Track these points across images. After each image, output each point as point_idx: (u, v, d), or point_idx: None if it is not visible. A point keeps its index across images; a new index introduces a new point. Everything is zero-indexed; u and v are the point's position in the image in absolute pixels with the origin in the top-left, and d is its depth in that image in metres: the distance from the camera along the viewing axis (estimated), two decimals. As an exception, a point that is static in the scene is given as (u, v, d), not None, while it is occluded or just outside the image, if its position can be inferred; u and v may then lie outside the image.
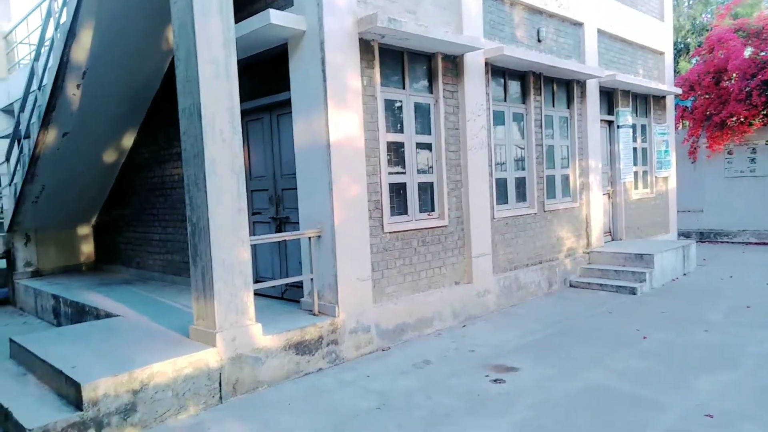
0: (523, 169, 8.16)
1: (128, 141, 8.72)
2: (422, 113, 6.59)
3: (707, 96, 13.87)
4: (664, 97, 11.73)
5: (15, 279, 9.38)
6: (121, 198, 9.30)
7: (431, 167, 6.71)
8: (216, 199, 4.57)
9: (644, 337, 5.90)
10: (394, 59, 6.28)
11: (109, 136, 8.47)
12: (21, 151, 8.62)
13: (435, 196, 6.73)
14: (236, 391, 4.67)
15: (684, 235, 13.84)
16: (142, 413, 4.08)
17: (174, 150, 7.85)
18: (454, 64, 6.86)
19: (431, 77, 6.68)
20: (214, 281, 4.55)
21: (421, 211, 6.55)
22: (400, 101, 6.32)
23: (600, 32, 9.52)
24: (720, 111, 13.31)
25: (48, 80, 7.19)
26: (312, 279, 5.57)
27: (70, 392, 3.98)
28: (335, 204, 5.42)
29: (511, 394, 4.52)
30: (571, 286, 8.76)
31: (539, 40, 8.23)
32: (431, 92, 6.67)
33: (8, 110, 14.90)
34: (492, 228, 7.35)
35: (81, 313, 6.96)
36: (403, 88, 6.35)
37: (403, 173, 6.36)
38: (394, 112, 6.27)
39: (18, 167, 8.77)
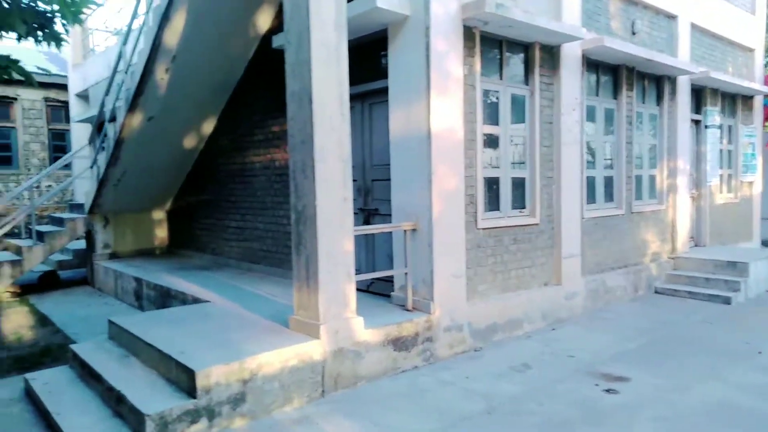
0: (612, 167, 7.78)
1: (208, 127, 8.75)
2: (517, 105, 6.32)
3: (796, 96, 13.02)
4: (752, 97, 11.07)
5: (94, 260, 9.59)
6: (197, 184, 9.36)
7: (524, 162, 6.45)
8: (323, 187, 4.44)
9: (759, 352, 5.50)
10: (492, 48, 6.04)
11: (190, 121, 8.51)
12: (105, 135, 8.76)
13: (527, 193, 6.47)
14: (337, 386, 4.55)
15: (764, 243, 13.07)
16: (250, 404, 4.00)
17: (256, 137, 7.82)
18: (551, 54, 6.55)
19: (527, 68, 6.40)
20: (319, 272, 4.43)
21: (512, 208, 6.31)
22: (497, 92, 6.08)
23: (692, 26, 9.00)
24: (810, 112, 12.48)
25: (138, 64, 7.24)
26: (406, 273, 5.41)
27: (181, 378, 3.93)
28: (434, 196, 5.23)
29: (630, 407, 4.24)
30: (656, 292, 8.33)
31: (633, 33, 7.82)
32: (527, 84, 6.39)
33: (83, 95, 15.32)
34: (581, 228, 7.03)
35: (165, 297, 7.01)
36: (501, 78, 6.11)
37: (497, 167, 6.13)
38: (490, 103, 6.03)
39: (101, 150, 8.93)
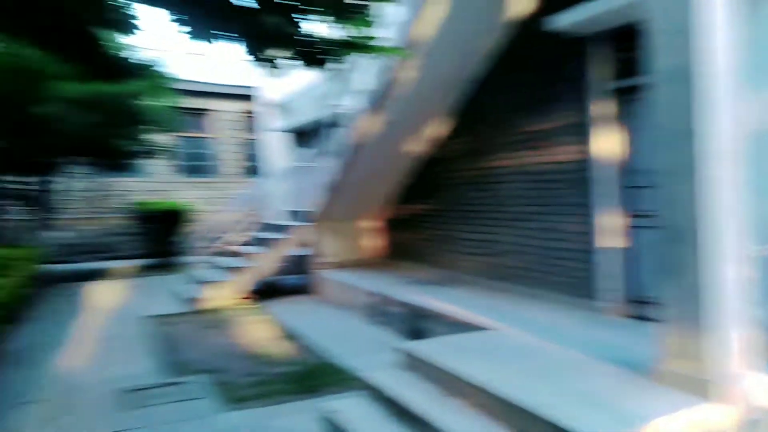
0: None
1: (439, 129, 8.03)
2: None
3: None
4: None
5: (317, 269, 9.38)
6: (420, 191, 8.71)
7: None
8: (714, 193, 3.32)
9: None
10: None
11: (420, 123, 7.86)
12: (335, 140, 8.44)
13: None
14: (739, 466, 3.35)
15: None
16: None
17: (507, 139, 6.87)
18: None
19: None
20: (722, 310, 3.29)
21: None
22: None
23: None
24: None
25: (390, 62, 6.63)
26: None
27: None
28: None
29: None
30: None
31: None
32: None
33: (279, 105, 15.66)
34: None
35: (416, 317, 6.30)
36: None
37: None
38: None
39: (328, 156, 8.62)
